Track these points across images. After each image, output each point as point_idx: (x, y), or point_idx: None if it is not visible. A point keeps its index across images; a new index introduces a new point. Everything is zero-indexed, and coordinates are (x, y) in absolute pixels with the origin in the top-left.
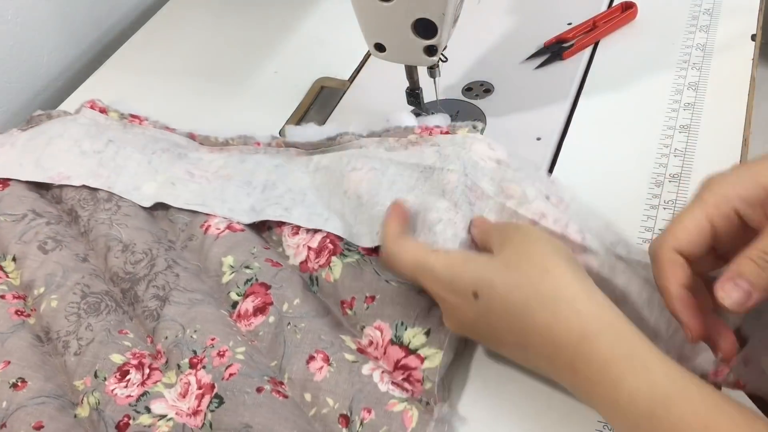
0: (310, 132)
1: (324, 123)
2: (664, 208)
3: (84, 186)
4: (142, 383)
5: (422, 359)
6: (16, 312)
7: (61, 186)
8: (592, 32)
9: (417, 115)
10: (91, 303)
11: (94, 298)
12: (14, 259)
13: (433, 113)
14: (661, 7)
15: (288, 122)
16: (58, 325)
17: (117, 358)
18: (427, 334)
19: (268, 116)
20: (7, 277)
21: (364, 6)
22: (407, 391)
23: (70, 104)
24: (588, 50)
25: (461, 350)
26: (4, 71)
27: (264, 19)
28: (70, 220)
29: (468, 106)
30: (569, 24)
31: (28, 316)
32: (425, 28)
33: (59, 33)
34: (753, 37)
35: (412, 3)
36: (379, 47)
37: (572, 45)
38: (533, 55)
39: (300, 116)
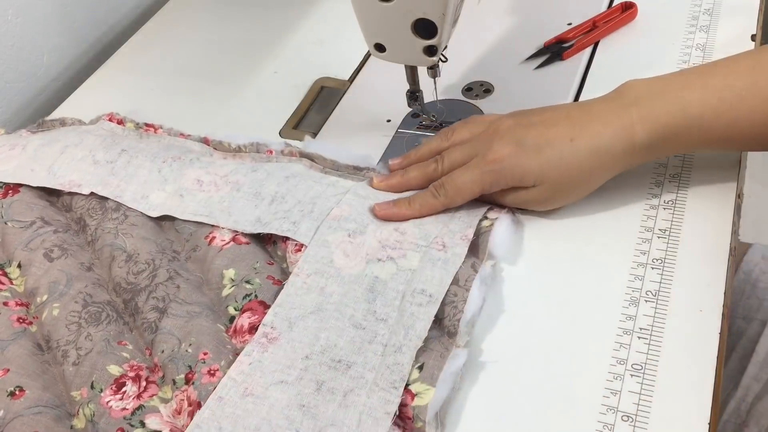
0: (342, 153)
1: (324, 123)
2: (664, 209)
3: (93, 195)
4: (138, 396)
5: (413, 396)
6: (18, 319)
7: (71, 194)
8: (592, 32)
9: (416, 115)
10: (92, 312)
11: (95, 307)
12: (19, 266)
13: (433, 116)
14: (661, 7)
15: (288, 122)
16: (58, 334)
17: (114, 370)
18: (421, 368)
19: (268, 116)
20: (11, 283)
21: (364, 6)
22: (399, 426)
23: (70, 104)
24: (588, 50)
25: (458, 386)
26: (4, 71)
27: (264, 19)
28: (78, 229)
29: (468, 106)
30: (569, 24)
31: (30, 323)
32: (425, 28)
33: (59, 33)
34: (753, 37)
35: (412, 3)
36: (379, 47)
37: (572, 45)
38: (533, 55)
39: (300, 116)
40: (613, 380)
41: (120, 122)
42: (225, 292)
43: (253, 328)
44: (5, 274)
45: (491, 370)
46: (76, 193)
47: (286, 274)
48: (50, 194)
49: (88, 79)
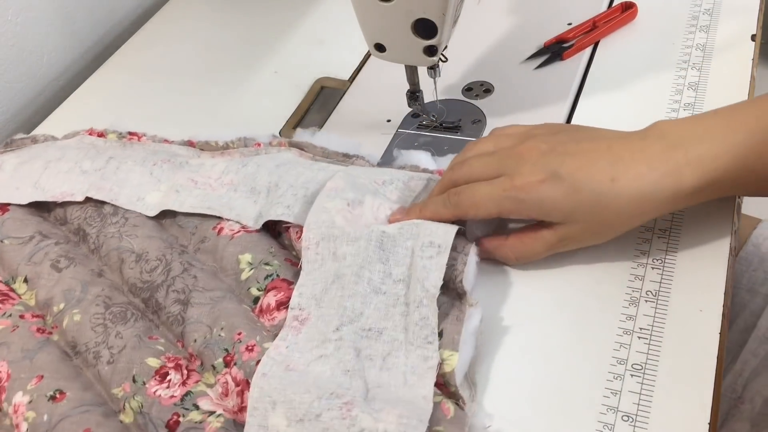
0: (332, 141)
1: (324, 123)
2: None
3: (89, 204)
4: (183, 383)
5: (440, 364)
6: (38, 330)
7: (64, 207)
8: (592, 32)
9: (417, 115)
10: (116, 312)
11: (118, 308)
12: (26, 281)
13: (433, 116)
14: (661, 7)
15: (288, 122)
16: (85, 338)
17: (153, 362)
18: (441, 335)
19: (268, 116)
20: (20, 298)
21: (364, 6)
22: (437, 387)
23: (70, 104)
24: (588, 50)
25: (480, 344)
26: (4, 71)
27: (264, 19)
28: (77, 240)
29: (468, 106)
30: (569, 24)
31: (50, 333)
32: (425, 28)
33: (59, 33)
34: (753, 37)
35: (412, 3)
36: (379, 47)
37: (572, 45)
38: (533, 55)
39: (300, 116)
40: (613, 380)
41: (101, 135)
42: (244, 275)
43: (281, 305)
44: (12, 290)
45: (491, 371)
46: (70, 205)
47: (298, 259)
48: (41, 210)
49: (88, 79)
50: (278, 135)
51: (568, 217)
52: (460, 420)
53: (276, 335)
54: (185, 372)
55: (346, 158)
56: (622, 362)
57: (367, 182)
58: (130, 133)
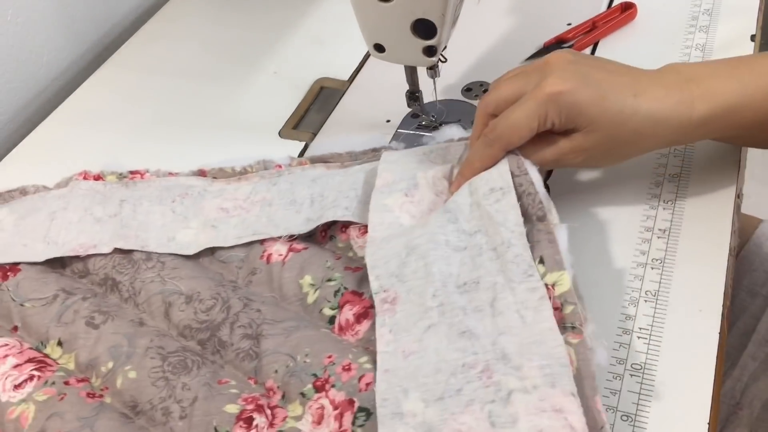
0: (354, 142)
1: (324, 123)
2: (664, 209)
3: (115, 251)
4: (271, 425)
5: (551, 287)
6: (88, 395)
7: (84, 258)
8: (591, 33)
9: (416, 116)
10: (175, 363)
11: (176, 357)
12: (60, 344)
13: (433, 117)
14: (661, 8)
15: (287, 122)
16: (147, 395)
17: (232, 408)
18: (542, 261)
19: (267, 116)
20: (58, 363)
21: (363, 6)
22: None
23: (70, 104)
24: (588, 51)
25: (572, 263)
26: (4, 71)
27: (264, 19)
28: (104, 291)
29: (468, 106)
30: (569, 24)
31: (101, 396)
32: (425, 28)
33: (59, 33)
34: (753, 38)
35: (412, 3)
36: (379, 48)
37: (572, 45)
38: (533, 56)
39: (300, 116)
40: (612, 380)
41: (97, 178)
42: (311, 298)
43: (360, 317)
44: (46, 356)
45: None
46: (91, 256)
47: (356, 261)
48: (55, 266)
49: (88, 79)
50: (294, 157)
51: (591, 123)
52: (587, 362)
53: (365, 348)
54: (269, 411)
55: (375, 153)
56: (622, 362)
57: (409, 160)
58: (132, 172)
